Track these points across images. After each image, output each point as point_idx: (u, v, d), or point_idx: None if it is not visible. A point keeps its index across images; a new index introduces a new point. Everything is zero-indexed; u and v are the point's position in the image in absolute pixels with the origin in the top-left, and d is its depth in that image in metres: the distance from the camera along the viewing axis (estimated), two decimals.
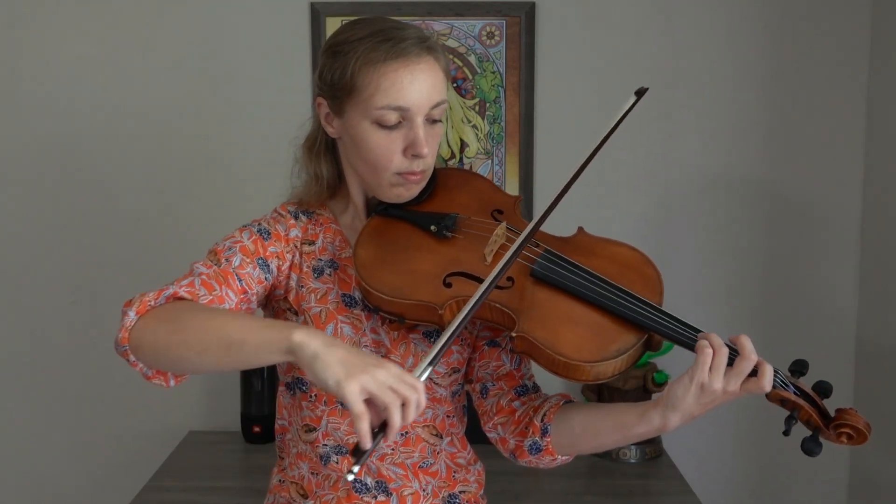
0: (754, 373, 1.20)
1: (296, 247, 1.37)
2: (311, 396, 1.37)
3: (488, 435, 1.42)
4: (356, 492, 1.38)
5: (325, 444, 1.38)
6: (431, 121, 1.30)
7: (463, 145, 2.47)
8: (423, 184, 1.34)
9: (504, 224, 1.33)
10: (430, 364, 1.11)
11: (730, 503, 2.59)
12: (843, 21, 2.45)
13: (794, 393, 1.25)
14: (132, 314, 1.16)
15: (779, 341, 2.53)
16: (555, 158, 2.47)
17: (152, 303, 1.18)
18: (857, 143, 2.48)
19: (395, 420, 1.02)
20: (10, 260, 2.50)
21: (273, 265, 1.33)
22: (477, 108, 2.46)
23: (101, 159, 2.47)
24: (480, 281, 1.26)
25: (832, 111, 2.48)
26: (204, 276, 1.25)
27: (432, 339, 1.36)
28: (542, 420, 1.33)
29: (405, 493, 1.39)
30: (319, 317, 1.34)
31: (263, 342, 1.09)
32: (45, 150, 2.47)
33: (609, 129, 1.34)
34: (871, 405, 2.46)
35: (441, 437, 1.41)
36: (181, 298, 1.21)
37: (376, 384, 1.01)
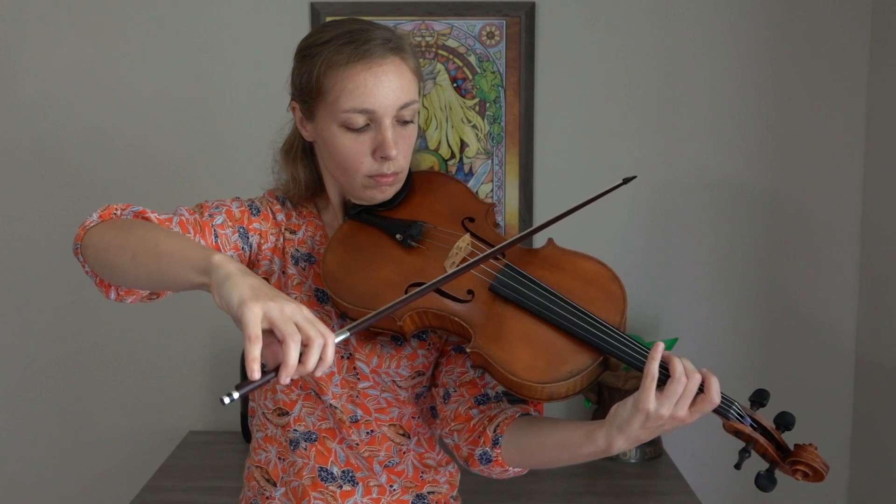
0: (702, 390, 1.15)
1: (280, 230, 1.38)
2: None
3: (444, 440, 1.40)
4: (322, 480, 1.38)
5: (296, 430, 1.38)
6: (402, 122, 1.29)
7: (463, 145, 2.47)
8: (398, 186, 1.34)
9: (468, 236, 1.32)
10: (348, 330, 1.08)
11: (729, 503, 2.59)
12: (843, 22, 2.45)
13: (751, 426, 1.21)
14: (95, 216, 1.19)
15: (777, 351, 2.53)
16: (555, 158, 2.47)
17: (118, 212, 1.20)
18: (857, 144, 2.48)
19: (291, 356, 0.97)
20: (10, 259, 2.50)
21: (253, 240, 1.34)
22: (477, 108, 2.46)
23: (102, 160, 2.47)
24: (441, 294, 1.26)
25: (832, 114, 2.48)
26: (184, 218, 1.26)
27: (398, 343, 1.36)
28: (494, 431, 1.30)
29: (371, 484, 1.39)
30: None
31: (186, 257, 1.08)
32: (45, 150, 2.47)
33: (583, 203, 1.34)
34: (870, 415, 2.46)
35: (408, 437, 1.41)
36: (147, 219, 1.22)
37: (281, 314, 0.97)
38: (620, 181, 1.37)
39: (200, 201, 1.34)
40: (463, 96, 2.46)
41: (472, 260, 1.24)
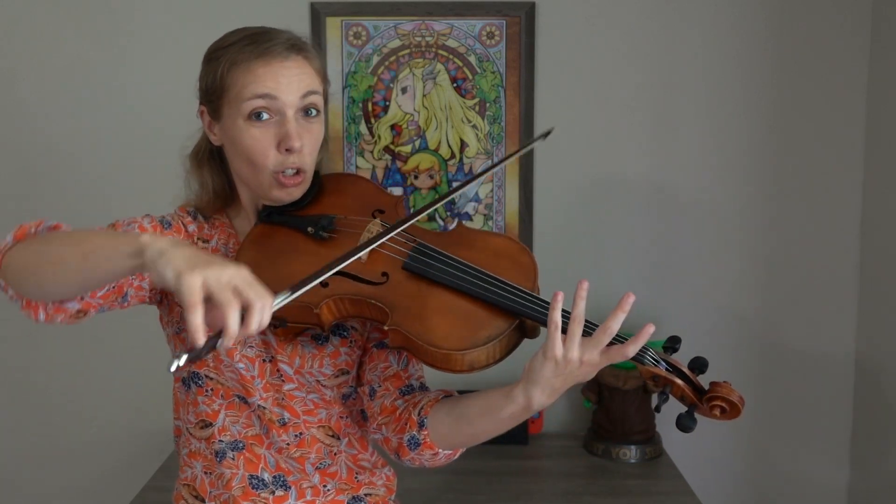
0: (620, 341, 1.19)
1: (193, 241, 1.38)
2: (207, 390, 1.37)
3: (373, 437, 1.41)
4: (253, 488, 1.37)
5: (221, 441, 1.37)
6: (305, 111, 1.30)
7: (463, 145, 2.47)
8: (305, 187, 1.34)
9: (377, 220, 1.35)
10: (287, 295, 1.10)
11: (730, 503, 2.59)
12: (843, 20, 2.45)
13: (666, 369, 1.24)
14: (9, 238, 1.17)
15: (778, 351, 2.53)
16: (554, 158, 2.47)
17: (32, 230, 1.19)
18: (857, 144, 2.48)
19: (231, 322, 0.97)
20: None
21: None
22: (477, 108, 2.46)
23: (102, 160, 2.47)
24: (356, 279, 1.28)
25: (832, 113, 2.48)
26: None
27: (320, 342, 1.37)
28: (419, 414, 1.31)
29: (304, 485, 1.39)
30: None
31: (113, 246, 1.07)
32: (45, 150, 2.47)
33: (507, 156, 1.35)
34: (870, 415, 2.46)
35: (338, 439, 1.41)
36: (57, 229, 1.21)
37: (217, 281, 0.98)
38: (540, 136, 1.40)
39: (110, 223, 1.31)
40: (463, 96, 2.46)
41: (378, 235, 1.27)
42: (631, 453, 2.33)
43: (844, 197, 2.51)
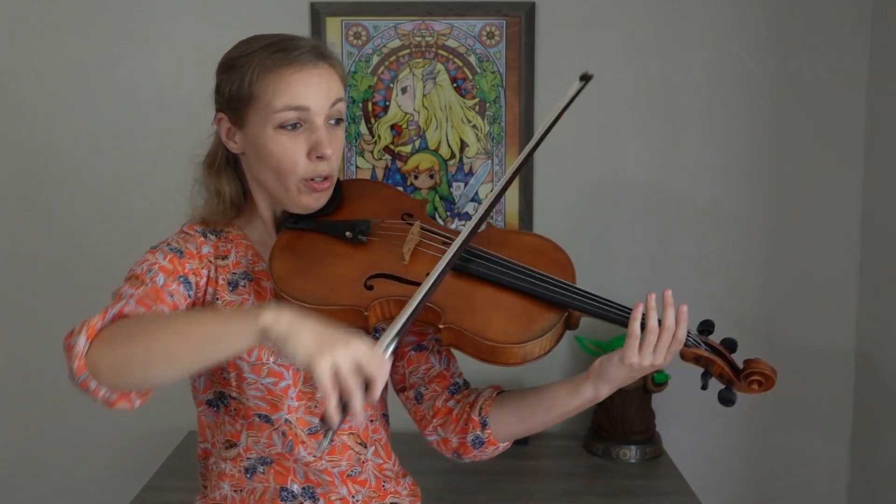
0: None
1: (210, 261, 1.35)
2: (231, 410, 1.36)
3: (429, 439, 1.43)
4: (282, 500, 1.36)
5: (249, 458, 1.37)
6: (334, 121, 1.31)
7: (463, 145, 2.47)
8: (330, 192, 1.35)
9: (418, 223, 1.37)
10: (395, 337, 1.13)
11: (729, 503, 2.59)
12: (843, 20, 2.44)
13: (707, 349, 1.35)
14: (82, 340, 1.10)
15: (778, 350, 2.53)
16: (554, 158, 2.47)
17: (99, 325, 1.12)
18: (857, 144, 2.48)
19: (357, 406, 1.03)
20: (10, 259, 2.50)
21: (192, 282, 1.31)
22: (477, 108, 2.46)
23: (102, 160, 2.47)
24: (401, 280, 1.30)
25: (833, 113, 2.48)
26: (136, 297, 1.20)
27: None
28: (479, 414, 1.37)
29: (332, 497, 1.38)
30: None
31: (230, 331, 1.07)
32: (45, 150, 2.47)
33: (553, 118, 1.35)
34: (870, 415, 2.46)
35: (365, 447, 1.41)
36: (125, 316, 1.16)
37: (345, 367, 1.02)
38: (580, 83, 1.36)
39: (128, 274, 1.28)
40: (463, 96, 2.46)
41: (460, 238, 1.27)
42: (631, 453, 2.33)
43: (844, 197, 2.51)
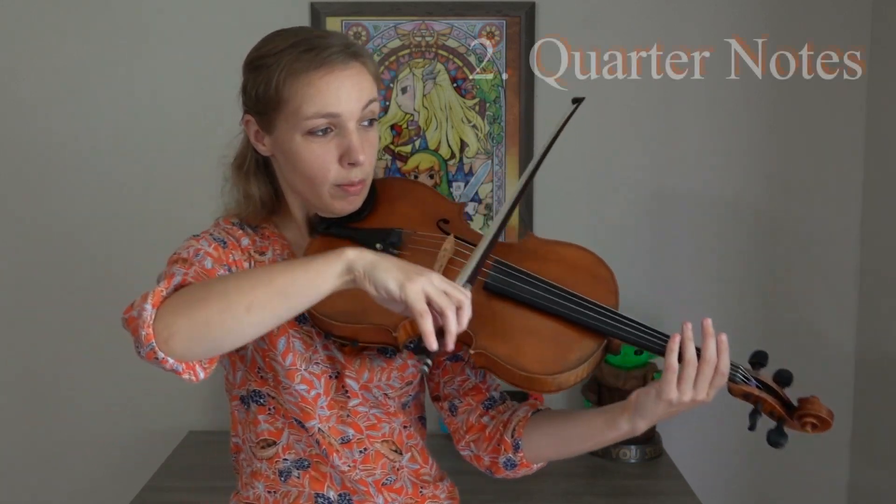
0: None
1: (249, 255, 1.31)
2: (269, 409, 1.33)
3: (462, 453, 1.41)
4: None
5: (286, 459, 1.33)
6: (367, 122, 1.26)
7: (463, 145, 2.47)
8: (365, 194, 1.30)
9: (452, 237, 1.30)
10: (472, 275, 1.15)
11: (729, 503, 2.59)
12: (843, 20, 2.44)
13: (757, 386, 1.25)
14: (149, 308, 1.05)
15: (778, 351, 2.50)
16: (554, 159, 2.46)
17: (164, 293, 1.09)
18: (857, 145, 2.48)
19: (452, 324, 1.05)
20: (11, 259, 2.50)
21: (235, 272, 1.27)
22: (477, 108, 2.46)
23: (102, 160, 2.47)
24: None
25: (833, 114, 2.48)
26: (190, 275, 1.15)
27: (387, 354, 1.32)
28: (512, 436, 1.33)
29: None
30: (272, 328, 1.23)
31: (317, 271, 1.07)
32: (45, 150, 2.47)
33: (549, 141, 1.34)
34: (870, 415, 2.46)
35: (401, 454, 1.37)
36: (186, 285, 1.13)
37: (434, 288, 1.05)
38: (573, 106, 1.41)
39: (173, 257, 1.24)
40: (463, 96, 2.46)
41: (479, 252, 1.20)
42: (631, 453, 2.33)
43: (844, 197, 2.50)
